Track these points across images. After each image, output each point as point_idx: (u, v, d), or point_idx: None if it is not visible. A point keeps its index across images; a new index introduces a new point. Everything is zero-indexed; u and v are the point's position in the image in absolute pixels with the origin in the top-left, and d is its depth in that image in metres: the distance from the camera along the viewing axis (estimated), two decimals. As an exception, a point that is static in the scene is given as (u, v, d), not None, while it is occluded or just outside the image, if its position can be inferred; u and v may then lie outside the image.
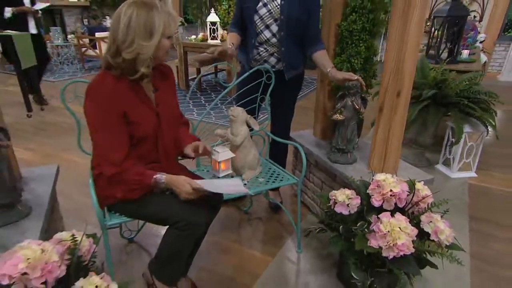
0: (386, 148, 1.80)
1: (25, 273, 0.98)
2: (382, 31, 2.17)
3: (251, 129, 1.92)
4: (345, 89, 1.87)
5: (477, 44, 4.56)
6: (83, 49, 6.90)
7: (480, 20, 6.35)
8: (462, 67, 3.10)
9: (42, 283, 1.00)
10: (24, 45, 3.77)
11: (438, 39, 3.15)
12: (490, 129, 2.69)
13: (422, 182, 1.63)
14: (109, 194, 1.39)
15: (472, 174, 2.83)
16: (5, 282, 0.96)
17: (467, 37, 3.40)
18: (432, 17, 3.34)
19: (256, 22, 1.94)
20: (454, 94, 2.58)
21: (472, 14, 6.38)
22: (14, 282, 0.97)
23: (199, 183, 1.35)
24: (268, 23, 1.92)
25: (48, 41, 6.62)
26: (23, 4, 4.08)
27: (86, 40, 6.92)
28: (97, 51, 6.69)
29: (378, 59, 6.96)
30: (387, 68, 1.68)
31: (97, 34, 6.66)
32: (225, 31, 5.52)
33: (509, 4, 6.11)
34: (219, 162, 1.71)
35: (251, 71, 1.99)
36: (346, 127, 1.93)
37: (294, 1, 1.85)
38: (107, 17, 8.60)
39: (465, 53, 3.31)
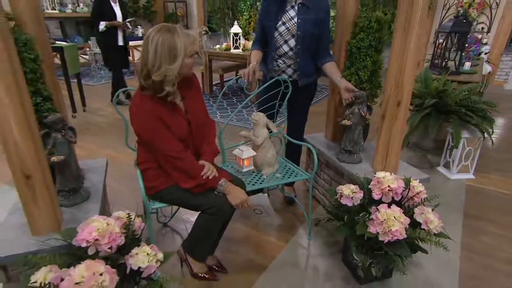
0: (387, 150, 1.96)
1: (97, 240, 1.21)
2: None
3: (270, 132, 2.11)
4: (353, 97, 2.05)
5: (482, 55, 4.62)
6: (118, 56, 7.24)
7: (488, 32, 6.35)
8: (463, 78, 3.20)
9: (108, 248, 1.23)
10: (72, 55, 4.08)
11: (442, 52, 3.27)
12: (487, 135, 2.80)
13: (418, 180, 1.79)
14: (157, 183, 1.61)
15: (470, 176, 2.94)
16: (84, 244, 1.20)
17: (470, 50, 3.49)
18: (437, 32, 3.45)
19: (276, 38, 2.12)
20: (454, 103, 2.71)
21: (480, 26, 6.39)
22: (89, 246, 1.21)
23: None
24: (286, 38, 2.10)
25: (88, 49, 7.01)
26: (115, 19, 4.43)
27: (121, 48, 7.26)
28: (131, 58, 7.02)
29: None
30: (389, 82, 1.85)
31: (131, 43, 6.97)
32: (246, 40, 5.74)
33: (516, 17, 6.10)
34: (243, 159, 1.92)
35: (271, 81, 2.19)
36: (353, 131, 2.11)
37: (308, 20, 2.04)
38: (139, 26, 8.94)
39: (467, 64, 3.41)
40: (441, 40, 3.24)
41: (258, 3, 9.19)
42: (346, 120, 2.07)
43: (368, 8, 6.16)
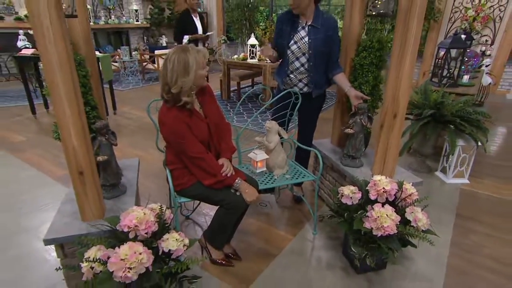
0: (385, 156, 2.10)
1: (136, 226, 1.41)
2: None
3: (282, 138, 2.28)
4: (356, 109, 2.20)
5: (483, 68, 4.67)
6: (144, 63, 7.54)
7: (492, 44, 6.35)
8: (461, 90, 3.29)
9: (145, 233, 1.43)
10: (106, 63, 4.34)
11: (441, 66, 3.37)
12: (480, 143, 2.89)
13: (411, 183, 1.93)
14: (183, 181, 1.80)
15: (465, 180, 3.03)
16: (126, 230, 1.39)
17: (468, 64, 3.57)
18: (437, 48, 3.55)
19: (289, 55, 2.28)
20: (450, 114, 2.82)
21: (484, 38, 6.40)
22: (130, 231, 1.41)
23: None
24: (298, 56, 2.26)
25: (118, 57, 7.31)
26: (197, 32, 4.55)
27: (147, 56, 7.56)
28: (155, 65, 7.30)
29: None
30: (387, 96, 1.99)
31: (156, 52, 7.26)
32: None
33: (519, 30, 6.10)
34: (256, 162, 2.10)
35: (283, 92, 2.36)
36: (355, 139, 2.26)
37: (318, 39, 2.18)
38: (163, 35, 9.24)
39: (465, 78, 3.50)
40: (441, 56, 3.34)
41: (274, 14, 9.39)
42: (349, 129, 2.22)
43: (373, 30, 6.28)
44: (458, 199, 2.75)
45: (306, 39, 2.20)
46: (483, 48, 6.40)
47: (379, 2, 1.97)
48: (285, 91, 2.35)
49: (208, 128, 1.81)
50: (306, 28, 2.20)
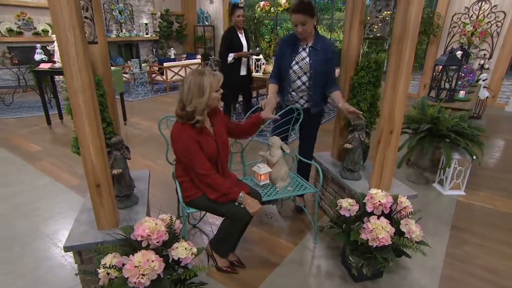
0: (382, 170, 2.18)
1: (148, 235, 1.50)
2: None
3: (284, 152, 2.37)
4: (354, 125, 2.30)
5: (480, 82, 4.75)
6: (153, 75, 7.72)
7: (490, 58, 6.43)
8: (457, 105, 3.37)
9: (157, 242, 1.52)
10: (117, 77, 4.49)
11: (438, 82, 3.46)
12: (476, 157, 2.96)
13: (406, 196, 2.00)
14: (191, 194, 1.90)
15: (461, 192, 3.09)
16: (139, 239, 1.49)
17: (464, 80, 3.65)
18: (434, 65, 3.64)
19: (291, 74, 2.40)
20: (446, 128, 2.90)
21: (482, 52, 6.48)
22: (143, 240, 1.50)
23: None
24: (299, 75, 2.37)
25: (128, 69, 7.50)
26: (242, 49, 4.38)
27: (156, 68, 7.74)
28: (164, 77, 7.47)
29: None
30: (383, 113, 2.08)
31: (165, 64, 7.44)
32: (266, 64, 6.07)
33: (516, 45, 6.19)
34: (260, 174, 2.19)
35: (286, 109, 2.46)
36: (354, 153, 2.34)
37: (318, 60, 2.31)
38: (172, 48, 9.44)
39: (461, 93, 3.58)
40: (437, 72, 3.44)
41: (278, 28, 9.56)
42: (347, 144, 2.31)
43: (374, 51, 6.41)
44: (454, 210, 2.81)
45: (307, 59, 2.32)
46: (482, 62, 6.49)
47: (375, 27, 2.07)
48: (288, 108, 2.46)
49: (217, 146, 1.91)
50: (307, 50, 2.32)
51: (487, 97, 4.84)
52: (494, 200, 2.97)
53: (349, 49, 2.38)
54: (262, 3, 8.35)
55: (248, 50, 4.50)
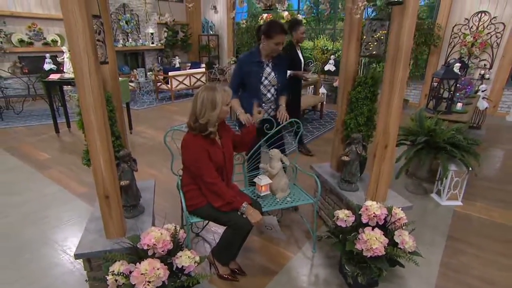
0: (377, 182, 2.26)
1: (154, 244, 1.60)
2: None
3: (284, 164, 2.46)
4: (351, 138, 2.39)
5: (479, 93, 4.83)
6: (158, 83, 7.87)
7: (490, 68, 6.50)
8: (454, 117, 3.45)
9: (162, 251, 1.62)
10: (124, 87, 4.63)
11: (436, 95, 3.55)
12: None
13: (401, 208, 2.08)
14: (195, 202, 2.00)
15: (459, 203, 3.15)
16: (145, 247, 1.58)
17: (461, 93, 3.73)
18: (432, 77, 3.74)
19: (261, 89, 2.64)
20: (442, 140, 2.97)
21: (482, 63, 6.56)
22: (149, 249, 1.60)
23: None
24: (269, 88, 2.67)
25: (134, 78, 7.66)
26: (301, 65, 4.14)
27: (161, 77, 7.90)
28: (169, 85, 7.62)
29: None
30: (378, 129, 2.17)
31: (170, 73, 7.59)
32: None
33: (516, 56, 6.27)
34: (261, 186, 2.29)
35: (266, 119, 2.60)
36: (351, 165, 2.43)
37: (280, 73, 2.69)
38: (176, 56, 9.61)
39: (459, 105, 3.66)
40: (435, 85, 3.53)
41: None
42: (345, 156, 2.40)
43: (374, 61, 6.52)
44: (451, 220, 2.88)
45: (273, 74, 2.64)
46: (482, 72, 6.57)
47: (371, 45, 2.17)
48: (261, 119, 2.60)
49: (224, 157, 2.02)
50: (270, 65, 2.64)
51: (486, 107, 4.90)
52: (491, 211, 3.03)
53: (347, 66, 2.48)
54: (265, 15, 8.51)
55: (305, 67, 4.26)
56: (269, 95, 2.69)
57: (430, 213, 3.02)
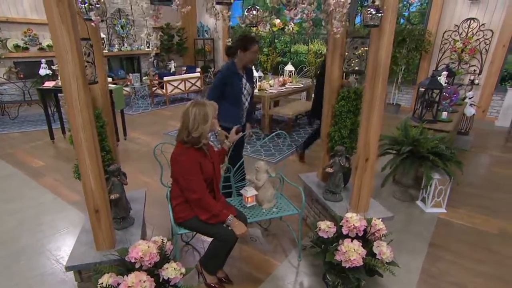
0: (359, 194, 2.35)
1: (141, 257, 1.67)
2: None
3: (270, 175, 2.54)
4: (335, 151, 2.48)
5: (466, 100, 4.93)
6: (154, 88, 7.93)
7: (480, 73, 6.62)
8: (439, 126, 3.54)
9: (149, 263, 1.69)
10: (118, 94, 4.70)
11: (421, 104, 3.64)
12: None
13: (381, 218, 2.17)
14: (183, 215, 2.07)
15: (443, 210, 3.25)
16: (133, 260, 1.66)
17: (446, 102, 3.83)
18: (417, 88, 3.83)
19: (242, 99, 2.87)
20: (425, 150, 3.07)
21: (472, 68, 6.68)
22: (136, 262, 1.67)
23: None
24: (246, 98, 2.92)
25: (129, 83, 7.71)
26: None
27: (156, 82, 7.96)
28: (164, 90, 7.68)
29: (391, 102, 7.35)
30: (359, 143, 2.26)
31: (165, 78, 7.66)
32: (263, 80, 6.29)
33: (504, 61, 6.39)
34: (247, 197, 2.37)
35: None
36: (335, 177, 2.52)
37: (251, 83, 2.94)
38: (172, 61, 9.68)
39: (444, 114, 3.76)
40: (420, 94, 3.62)
41: (276, 40, 9.81)
42: (329, 168, 2.49)
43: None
44: (434, 227, 2.97)
45: (248, 85, 2.89)
46: (472, 78, 6.69)
47: (353, 61, 2.26)
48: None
49: (213, 166, 2.10)
50: (244, 77, 2.86)
51: (473, 114, 5.01)
52: (474, 218, 3.13)
53: (331, 80, 2.56)
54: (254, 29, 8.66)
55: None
56: (246, 104, 2.96)
57: (415, 220, 3.11)
